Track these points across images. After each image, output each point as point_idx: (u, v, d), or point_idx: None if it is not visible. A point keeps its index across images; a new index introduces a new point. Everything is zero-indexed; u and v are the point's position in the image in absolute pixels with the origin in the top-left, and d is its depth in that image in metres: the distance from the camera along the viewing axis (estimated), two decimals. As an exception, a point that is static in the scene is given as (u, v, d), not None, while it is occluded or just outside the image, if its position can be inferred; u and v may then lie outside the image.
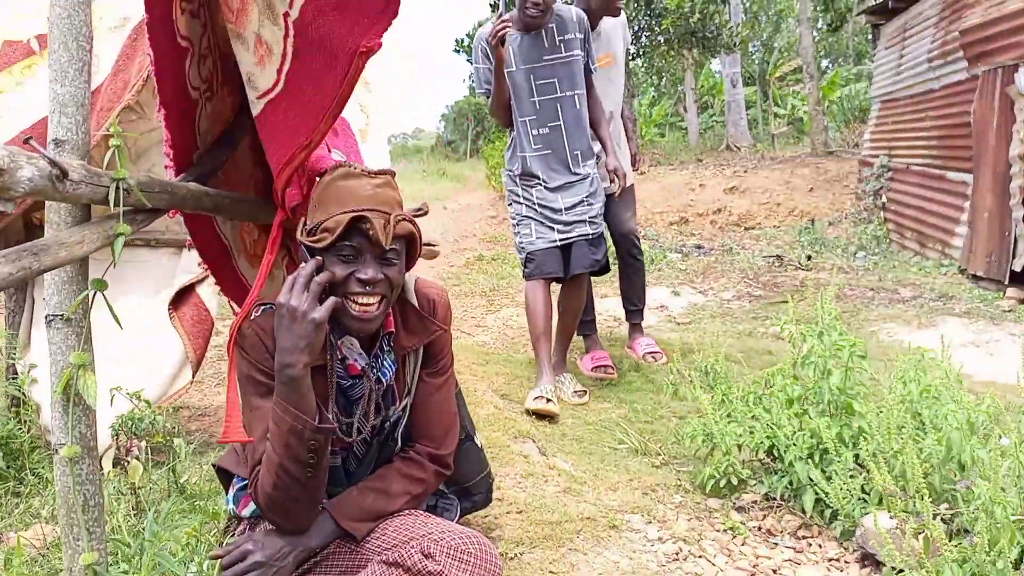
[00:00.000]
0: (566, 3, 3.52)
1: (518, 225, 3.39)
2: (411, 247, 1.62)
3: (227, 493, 1.83)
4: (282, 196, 1.61)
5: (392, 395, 1.71)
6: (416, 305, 1.72)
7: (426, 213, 3.10)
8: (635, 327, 4.12)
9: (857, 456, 2.32)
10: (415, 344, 1.70)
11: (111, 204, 1.31)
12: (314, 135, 1.44)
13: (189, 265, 3.06)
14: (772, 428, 2.50)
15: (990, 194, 5.48)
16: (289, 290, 1.45)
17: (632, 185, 3.88)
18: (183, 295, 2.82)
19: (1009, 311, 4.89)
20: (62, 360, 1.35)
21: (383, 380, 1.66)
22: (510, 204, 3.43)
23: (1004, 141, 5.26)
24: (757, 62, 22.73)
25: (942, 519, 2.00)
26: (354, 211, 1.48)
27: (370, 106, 2.87)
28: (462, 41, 16.54)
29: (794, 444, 2.37)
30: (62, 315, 1.35)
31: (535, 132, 3.27)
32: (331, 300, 1.47)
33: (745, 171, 11.08)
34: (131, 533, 1.87)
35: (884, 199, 8.06)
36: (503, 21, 2.93)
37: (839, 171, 10.61)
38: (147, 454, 2.42)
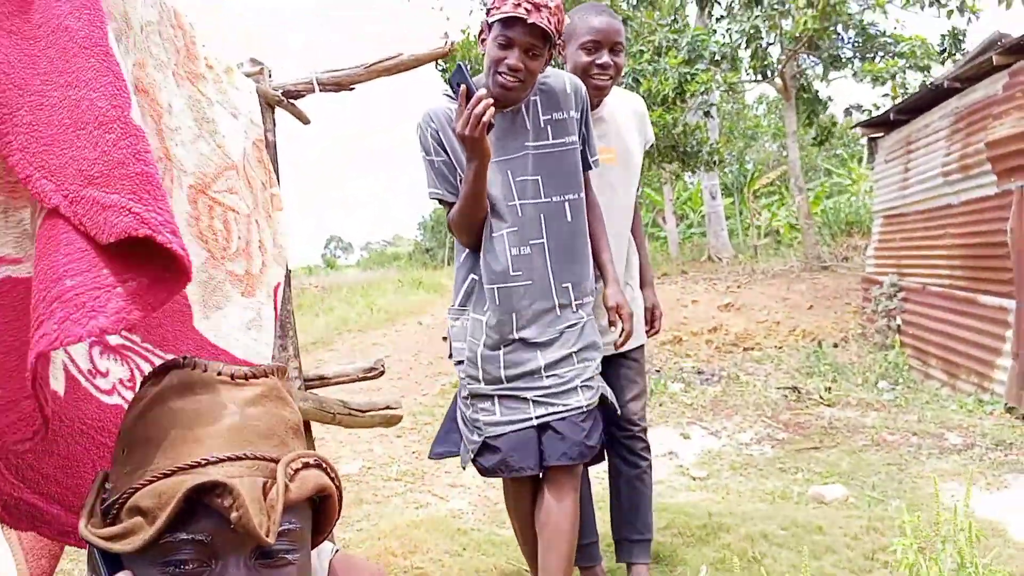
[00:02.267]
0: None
1: (471, 398, 2.22)
2: (324, 511, 0.81)
3: None
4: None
5: None
6: None
7: (381, 374, 2.27)
8: (636, 570, 2.68)
9: None
10: None
11: None
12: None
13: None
14: None
15: (1042, 324, 4.78)
16: None
17: (642, 348, 2.72)
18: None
19: (1089, 466, 4.10)
20: None
21: None
22: (458, 363, 2.27)
23: (1056, 264, 4.62)
24: (732, 174, 22.88)
25: None
26: (198, 465, 0.70)
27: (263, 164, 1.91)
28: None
29: None
30: None
31: (515, 251, 2.16)
32: None
33: (739, 286, 10.46)
34: None
35: (900, 321, 7.39)
36: (480, 98, 1.92)
37: (838, 287, 10.03)
38: None
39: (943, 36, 10.72)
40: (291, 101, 2.08)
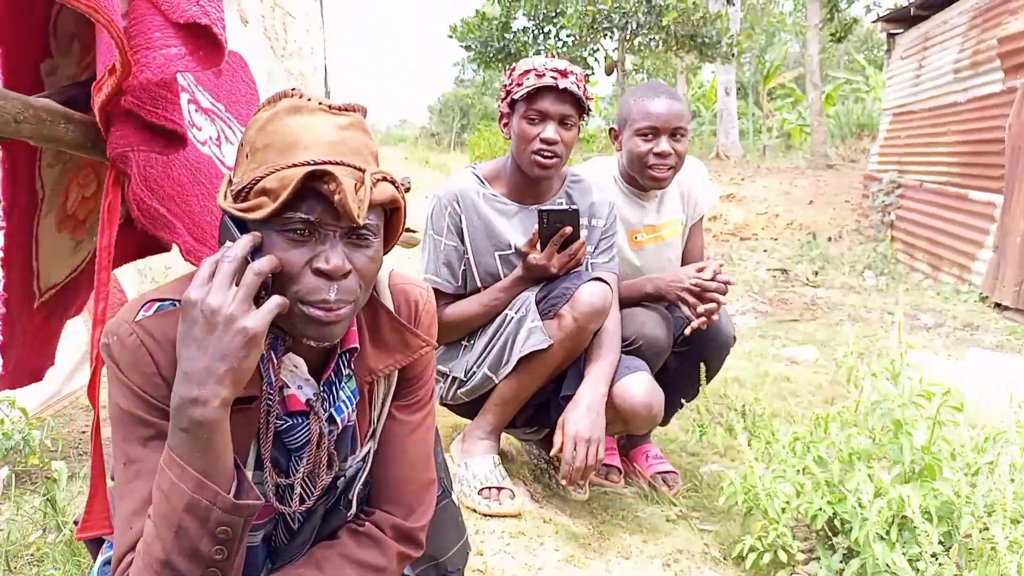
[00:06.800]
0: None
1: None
2: (392, 222, 1.05)
3: (94, 562, 1.24)
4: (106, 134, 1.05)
5: (351, 439, 1.14)
6: (391, 308, 1.15)
7: (408, 190, 2.51)
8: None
9: (945, 535, 1.79)
10: (388, 367, 1.13)
11: None
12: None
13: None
14: (832, 489, 1.97)
15: (1025, 217, 5.01)
16: (206, 281, 0.89)
17: None
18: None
19: (1046, 347, 4.43)
20: None
21: (338, 420, 1.08)
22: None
23: (1046, 160, 4.80)
24: (748, 72, 22.42)
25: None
26: (310, 163, 0.92)
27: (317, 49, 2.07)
28: (456, 27, 15.90)
29: (866, 517, 1.83)
30: None
31: None
32: (275, 300, 0.91)
33: (743, 179, 10.61)
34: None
35: (893, 216, 7.61)
36: (584, 242, 2.02)
37: (840, 184, 10.18)
38: (10, 484, 1.82)
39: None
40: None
